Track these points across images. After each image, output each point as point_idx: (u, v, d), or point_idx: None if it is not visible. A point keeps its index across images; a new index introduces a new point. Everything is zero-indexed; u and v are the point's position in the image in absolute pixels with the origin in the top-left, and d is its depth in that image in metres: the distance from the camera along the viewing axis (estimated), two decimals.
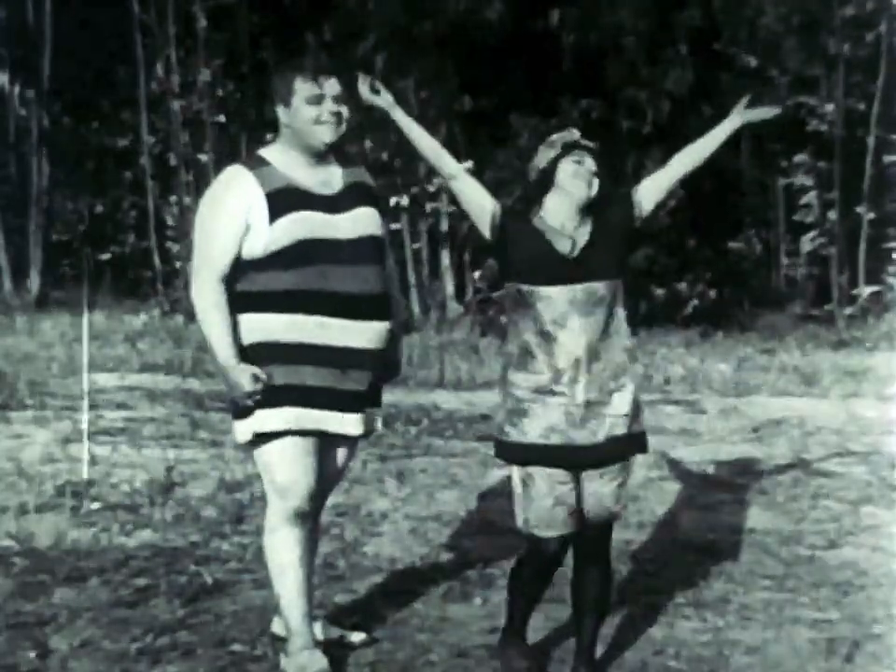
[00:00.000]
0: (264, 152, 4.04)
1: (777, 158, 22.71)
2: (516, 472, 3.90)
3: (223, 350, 3.90)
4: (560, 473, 3.85)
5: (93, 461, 6.97)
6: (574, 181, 3.88)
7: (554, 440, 3.82)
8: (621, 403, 3.87)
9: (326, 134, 3.97)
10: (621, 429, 3.87)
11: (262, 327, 3.92)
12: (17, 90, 23.93)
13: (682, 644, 4.43)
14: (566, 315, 3.82)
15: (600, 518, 3.93)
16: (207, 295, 3.91)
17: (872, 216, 20.41)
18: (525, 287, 3.84)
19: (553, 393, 3.82)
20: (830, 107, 20.87)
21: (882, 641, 4.48)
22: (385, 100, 4.01)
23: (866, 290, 20.01)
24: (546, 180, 3.91)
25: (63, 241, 24.07)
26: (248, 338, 3.94)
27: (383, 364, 4.08)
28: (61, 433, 7.96)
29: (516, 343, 3.88)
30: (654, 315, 20.16)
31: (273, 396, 3.89)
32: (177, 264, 20.34)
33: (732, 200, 23.18)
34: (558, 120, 19.03)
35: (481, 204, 3.94)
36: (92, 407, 7.99)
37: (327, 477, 4.09)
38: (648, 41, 21.40)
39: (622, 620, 4.66)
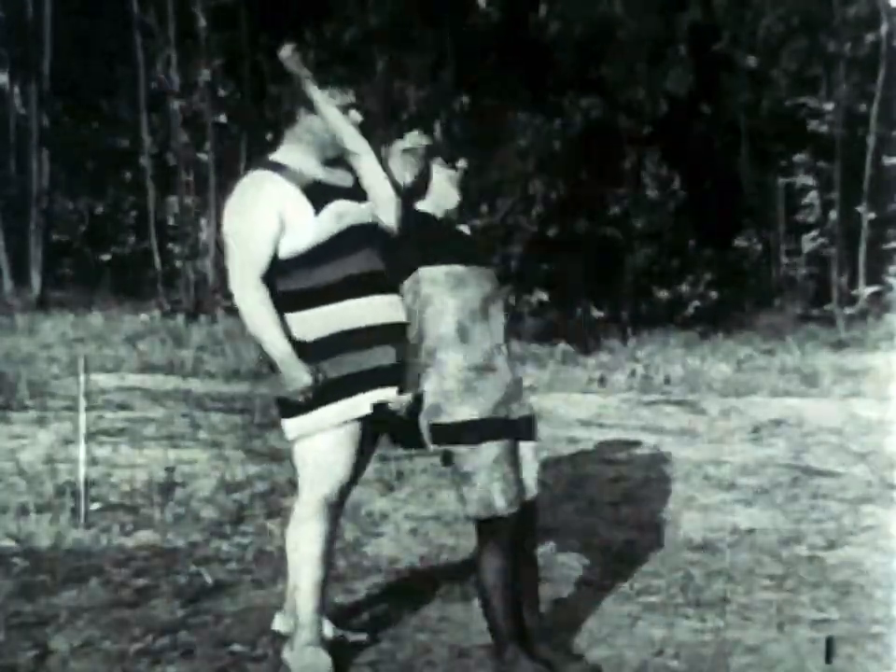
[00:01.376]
0: (278, 157, 4.08)
1: (777, 158, 22.70)
2: (485, 452, 3.83)
3: (280, 346, 3.92)
4: (510, 445, 3.90)
5: (93, 461, 6.97)
6: (444, 183, 4.02)
7: (500, 413, 3.88)
8: (523, 383, 4.05)
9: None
10: (530, 407, 4.01)
11: (315, 323, 3.95)
12: (17, 89, 23.92)
13: (682, 644, 4.43)
14: (492, 292, 3.96)
15: (525, 497, 3.96)
16: (254, 294, 3.93)
17: (872, 216, 20.41)
18: (459, 268, 3.91)
19: (490, 369, 3.90)
20: (830, 107, 20.87)
21: (882, 641, 4.48)
22: (302, 70, 3.97)
23: (866, 290, 20.01)
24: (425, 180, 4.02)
25: (63, 241, 24.04)
26: (300, 337, 3.95)
27: None
28: (61, 434, 7.95)
29: (449, 324, 3.89)
30: (655, 316, 20.15)
31: (328, 391, 3.92)
32: (177, 264, 20.32)
33: (732, 200, 23.16)
34: (563, 120, 19.04)
35: (387, 190, 3.97)
36: (92, 407, 7.98)
37: (360, 462, 4.12)
38: (648, 41, 21.38)
39: (622, 620, 4.66)
